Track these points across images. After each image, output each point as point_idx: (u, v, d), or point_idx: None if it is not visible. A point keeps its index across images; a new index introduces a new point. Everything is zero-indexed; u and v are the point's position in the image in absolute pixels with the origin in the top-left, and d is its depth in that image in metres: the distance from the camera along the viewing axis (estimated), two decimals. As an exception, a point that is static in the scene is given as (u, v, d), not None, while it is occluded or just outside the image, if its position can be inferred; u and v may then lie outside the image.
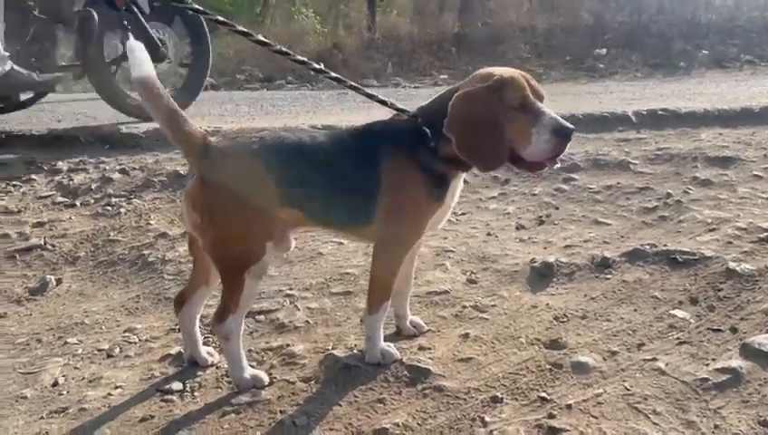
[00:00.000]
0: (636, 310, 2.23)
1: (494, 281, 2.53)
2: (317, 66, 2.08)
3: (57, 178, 3.75)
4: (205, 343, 2.02)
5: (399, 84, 8.75)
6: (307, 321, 2.22)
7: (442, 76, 9.26)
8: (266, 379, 1.83)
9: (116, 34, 4.57)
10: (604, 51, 10.05)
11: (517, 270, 2.60)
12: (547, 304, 2.31)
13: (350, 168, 1.77)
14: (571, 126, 1.70)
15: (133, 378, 1.91)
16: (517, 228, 3.12)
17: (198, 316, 1.95)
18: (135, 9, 4.49)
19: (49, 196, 3.57)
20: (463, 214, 3.33)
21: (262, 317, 2.27)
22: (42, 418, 1.73)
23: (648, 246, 2.63)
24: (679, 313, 2.17)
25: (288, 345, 2.05)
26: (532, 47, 10.24)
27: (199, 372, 1.92)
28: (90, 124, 4.47)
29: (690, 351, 1.95)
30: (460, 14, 11.42)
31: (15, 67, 3.87)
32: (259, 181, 1.69)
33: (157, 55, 4.67)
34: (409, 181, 1.77)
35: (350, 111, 5.46)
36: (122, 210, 3.33)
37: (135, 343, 2.14)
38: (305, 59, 2.09)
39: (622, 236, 2.89)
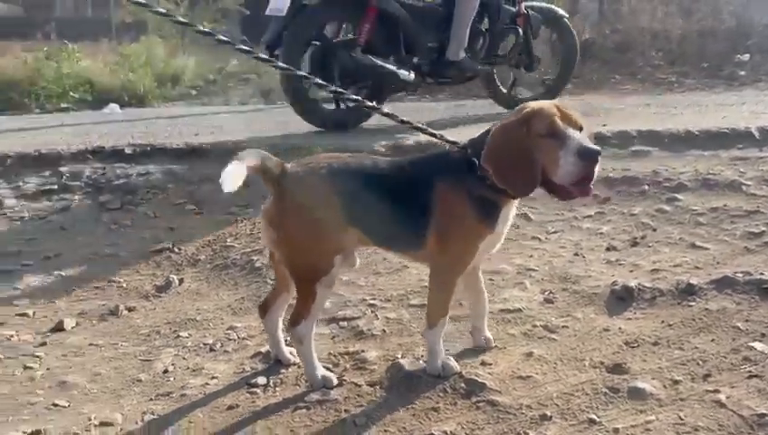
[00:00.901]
0: (713, 340, 2.21)
1: (570, 302, 2.58)
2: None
3: (189, 187, 4.22)
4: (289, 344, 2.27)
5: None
6: (383, 329, 2.41)
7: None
8: (335, 380, 2.04)
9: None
10: (747, 57, 9.37)
11: (597, 292, 2.63)
12: (620, 329, 2.34)
13: (406, 195, 1.95)
14: (597, 148, 1.76)
15: (228, 370, 2.20)
16: (607, 249, 3.12)
17: (281, 320, 2.20)
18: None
19: (181, 203, 4.03)
20: (554, 232, 3.37)
21: (345, 324, 2.48)
22: (150, 399, 2.05)
23: (740, 274, 2.56)
24: (759, 345, 2.13)
25: (362, 351, 2.25)
26: (665, 54, 9.74)
27: (282, 370, 2.16)
28: (222, 139, 4.95)
29: (759, 385, 1.92)
30: (587, 21, 11.10)
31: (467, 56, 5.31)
32: (325, 202, 1.93)
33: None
34: (460, 209, 1.91)
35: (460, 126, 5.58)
36: (239, 218, 3.70)
37: (234, 339, 2.44)
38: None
39: (718, 263, 2.81)
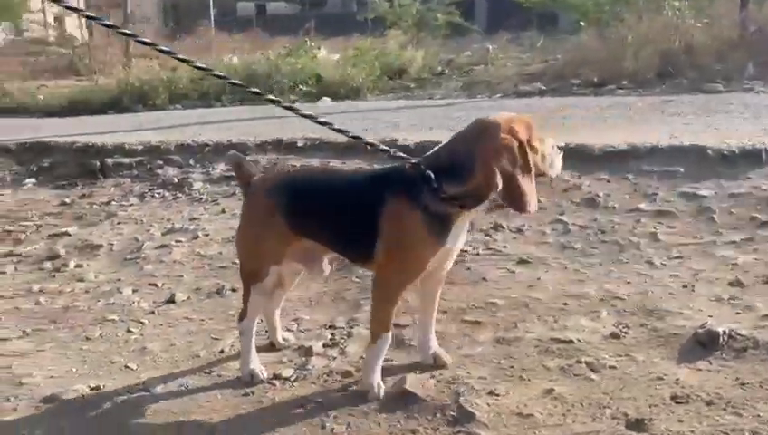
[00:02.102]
0: (786, 412, 1.84)
1: (641, 340, 2.31)
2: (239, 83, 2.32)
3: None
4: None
5: (753, 89, 7.57)
6: (422, 342, 2.40)
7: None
8: (261, 376, 2.21)
9: None
10: None
11: (678, 333, 2.32)
12: (677, 379, 2.06)
13: (355, 208, 1.99)
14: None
15: (269, 359, 2.40)
16: (730, 284, 2.70)
17: (277, 310, 2.45)
18: None
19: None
20: (676, 257, 2.99)
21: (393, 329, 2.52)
22: (193, 374, 2.32)
23: None
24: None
25: (389, 360, 2.29)
26: None
27: (312, 366, 2.30)
28: (387, 135, 5.20)
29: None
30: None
31: None
32: (265, 215, 2.11)
33: None
34: (411, 224, 1.89)
35: (650, 123, 5.07)
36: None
37: (292, 330, 2.63)
38: (238, 81, 2.30)
39: None
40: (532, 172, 1.85)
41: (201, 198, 4.60)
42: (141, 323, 2.80)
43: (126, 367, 2.41)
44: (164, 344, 2.58)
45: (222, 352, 2.49)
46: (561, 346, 2.29)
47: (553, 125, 5.16)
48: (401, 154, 2.12)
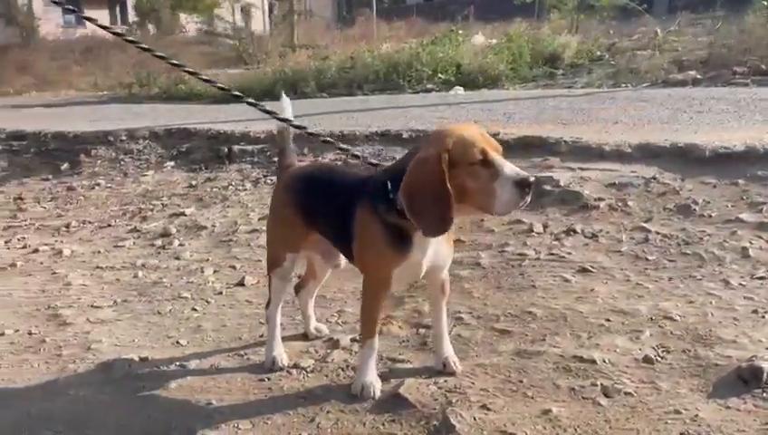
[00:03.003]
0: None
1: (675, 368, 2.12)
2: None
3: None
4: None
5: None
6: (453, 344, 2.38)
7: None
8: (281, 364, 2.32)
9: None
10: None
11: (721, 365, 2.10)
12: (696, 416, 1.88)
13: (341, 209, 2.01)
14: (532, 178, 1.66)
15: (298, 347, 2.52)
16: (813, 315, 2.36)
17: (311, 300, 2.54)
18: None
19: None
20: (759, 278, 2.66)
21: (422, 331, 2.53)
22: (227, 355, 2.51)
23: None
24: None
25: (406, 361, 2.31)
26: None
27: (331, 360, 2.39)
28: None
29: None
30: None
31: None
32: (284, 204, 2.23)
33: None
34: (371, 234, 1.88)
35: None
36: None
37: (331, 322, 2.73)
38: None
39: None
40: (447, 195, 1.70)
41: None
42: (207, 302, 3.05)
43: (177, 343, 2.66)
44: (216, 324, 2.79)
45: (262, 336, 2.65)
46: (582, 365, 2.16)
47: (675, 120, 4.74)
48: (373, 161, 2.12)
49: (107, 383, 2.34)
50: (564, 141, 4.37)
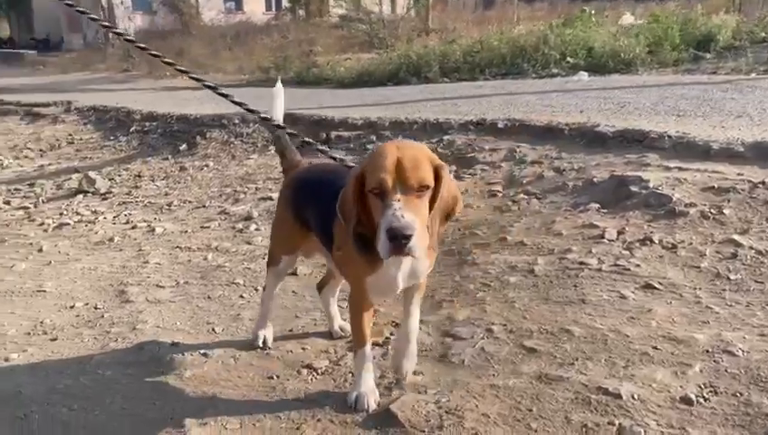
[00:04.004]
0: None
1: (717, 414, 1.81)
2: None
3: (503, 166, 4.28)
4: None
5: None
6: (463, 360, 2.22)
7: None
8: (262, 344, 2.43)
9: None
10: None
11: (774, 416, 1.75)
12: (721, 478, 1.58)
13: (326, 214, 1.92)
14: (407, 228, 1.48)
15: (320, 347, 2.47)
16: None
17: (333, 298, 2.48)
18: None
19: (494, 183, 4.14)
20: None
21: (447, 340, 2.37)
22: (247, 349, 2.51)
23: None
24: None
25: (418, 373, 2.17)
26: None
27: (347, 362, 2.30)
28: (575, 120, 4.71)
29: None
30: None
31: None
32: (283, 208, 2.23)
33: None
34: (344, 237, 1.78)
35: None
36: (519, 206, 3.63)
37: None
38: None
39: None
40: (351, 214, 1.67)
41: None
42: (256, 290, 3.08)
43: (213, 330, 2.71)
44: (255, 314, 2.80)
45: (291, 331, 2.63)
46: (605, 399, 1.90)
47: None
48: (350, 163, 1.97)
49: (132, 365, 2.42)
50: (668, 136, 3.91)
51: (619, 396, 1.90)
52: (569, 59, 9.56)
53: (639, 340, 2.18)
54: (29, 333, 2.82)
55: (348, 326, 2.55)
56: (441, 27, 15.78)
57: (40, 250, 4.13)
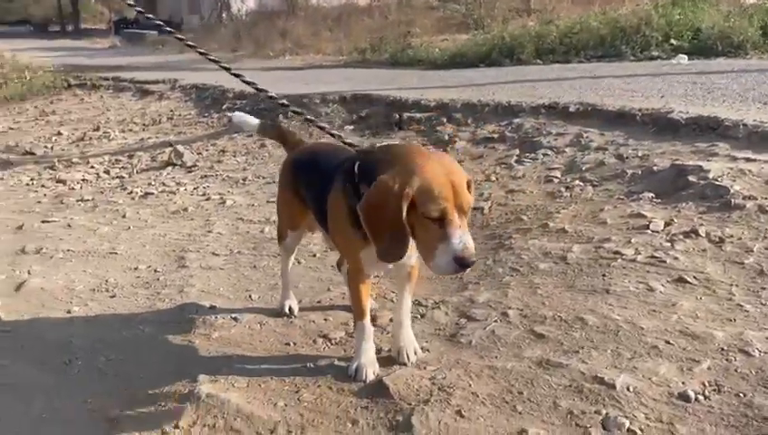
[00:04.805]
0: None
1: (713, 413, 1.75)
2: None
3: (566, 151, 4.16)
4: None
5: None
6: (470, 341, 2.24)
7: None
8: (288, 312, 2.57)
9: None
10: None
11: (773, 422, 1.68)
12: (695, 477, 1.54)
13: (321, 191, 1.99)
14: (472, 260, 1.59)
15: (343, 319, 2.56)
16: None
17: None
18: None
19: (554, 168, 4.05)
20: None
21: (462, 321, 2.40)
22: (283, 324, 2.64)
23: None
24: None
25: (426, 350, 2.22)
26: None
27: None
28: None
29: None
30: None
31: None
32: (284, 186, 2.35)
33: None
34: (339, 213, 1.87)
35: None
36: (571, 193, 3.54)
37: (389, 297, 2.71)
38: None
39: None
40: (404, 232, 1.68)
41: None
42: (298, 262, 3.22)
43: (249, 297, 2.88)
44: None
45: (319, 302, 2.75)
46: (598, 388, 1.87)
47: None
48: (348, 141, 2.01)
49: (170, 324, 2.63)
50: (743, 125, 3.67)
51: (613, 386, 1.86)
52: (672, 41, 9.04)
53: (653, 333, 2.11)
54: (93, 290, 3.10)
55: (371, 302, 2.63)
56: (542, 8, 15.30)
57: (123, 216, 4.49)
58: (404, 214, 1.64)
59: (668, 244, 2.71)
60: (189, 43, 2.63)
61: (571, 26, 10.75)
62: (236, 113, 2.74)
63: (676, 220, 2.91)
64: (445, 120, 5.51)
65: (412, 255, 1.93)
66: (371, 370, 2.05)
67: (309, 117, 2.43)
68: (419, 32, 15.71)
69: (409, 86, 7.33)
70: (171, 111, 8.89)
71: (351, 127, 6.24)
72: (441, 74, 8.87)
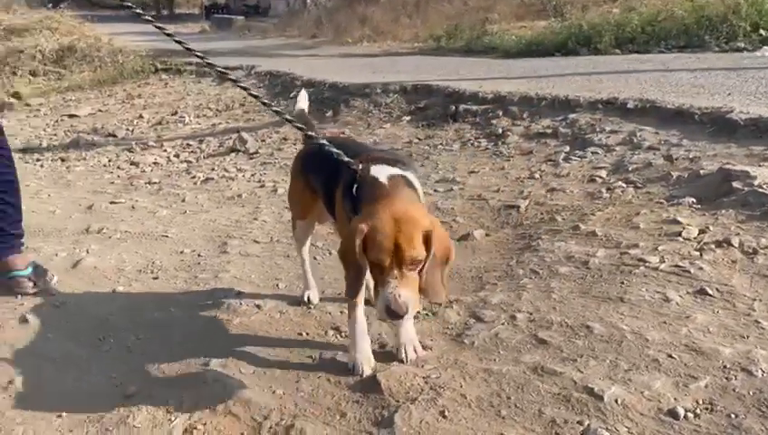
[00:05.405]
0: None
1: (700, 432, 1.71)
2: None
3: (616, 150, 4.02)
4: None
5: None
6: (473, 342, 2.27)
7: None
8: (309, 300, 2.69)
9: None
10: None
11: (760, 447, 1.63)
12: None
13: (330, 183, 2.11)
14: (402, 311, 1.68)
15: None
16: None
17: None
18: None
19: (600, 168, 3.94)
20: None
21: (471, 321, 2.43)
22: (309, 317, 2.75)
23: None
24: None
25: (428, 348, 2.28)
26: None
27: (376, 329, 2.46)
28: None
29: None
30: None
31: None
32: (295, 176, 2.46)
33: None
34: (341, 211, 1.99)
35: None
36: (611, 194, 3.46)
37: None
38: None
39: None
40: (360, 273, 1.83)
41: (501, 152, 4.73)
42: (330, 253, 3.33)
43: (277, 286, 3.00)
44: (316, 277, 3.04)
45: (340, 294, 2.83)
46: (585, 398, 1.86)
47: None
48: (346, 159, 2.05)
49: (198, 307, 2.79)
50: (805, 128, 3.45)
51: (600, 398, 1.85)
52: (762, 31, 8.50)
53: (657, 345, 2.07)
54: (140, 271, 3.32)
55: None
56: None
57: (183, 200, 4.74)
58: (358, 253, 1.76)
59: (697, 253, 2.62)
60: (148, 18, 2.44)
61: (654, 14, 10.30)
62: (303, 92, 2.81)
63: (711, 228, 2.80)
64: (500, 113, 5.46)
65: None
66: (367, 365, 2.12)
67: (253, 92, 2.37)
68: (498, 18, 15.44)
69: (475, 76, 7.27)
70: (244, 97, 9.19)
71: (408, 118, 6.28)
72: (509, 64, 8.72)
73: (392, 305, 1.68)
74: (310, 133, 2.24)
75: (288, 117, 2.29)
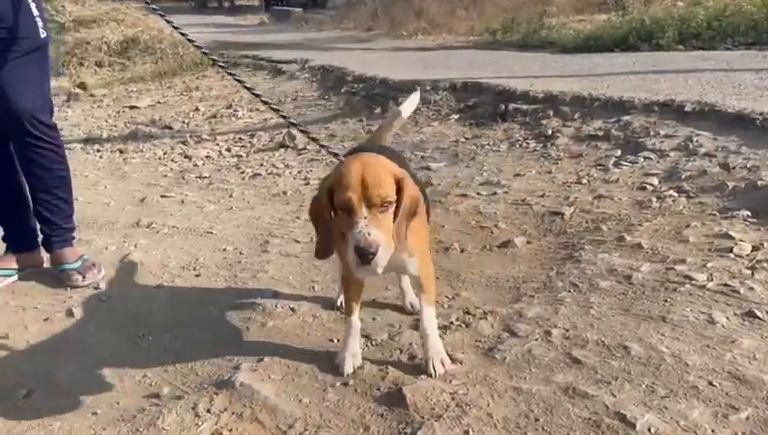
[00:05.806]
0: None
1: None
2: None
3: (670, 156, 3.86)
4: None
5: None
6: (505, 357, 2.22)
7: None
8: (340, 305, 2.64)
9: None
10: None
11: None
12: None
13: None
14: (372, 247, 1.60)
15: (391, 320, 2.62)
16: None
17: (405, 277, 2.59)
18: None
19: (652, 174, 3.80)
20: None
21: (505, 335, 2.38)
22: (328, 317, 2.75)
23: None
24: None
25: (459, 362, 2.24)
26: None
27: (402, 338, 2.44)
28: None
29: None
30: None
31: None
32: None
33: None
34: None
35: None
36: (662, 204, 3.33)
37: (442, 302, 2.73)
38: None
39: None
40: (328, 229, 1.81)
41: (549, 155, 4.62)
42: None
43: (312, 288, 3.02)
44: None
45: (374, 300, 2.82)
46: (617, 425, 1.80)
47: None
48: (333, 150, 2.02)
49: (233, 307, 2.83)
50: None
51: (633, 426, 1.77)
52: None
53: (698, 371, 1.97)
54: (183, 268, 3.39)
55: (417, 302, 2.66)
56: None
57: (230, 196, 4.82)
58: (327, 209, 1.77)
59: (748, 271, 2.49)
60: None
61: (721, 9, 9.87)
62: (414, 96, 2.65)
63: (765, 245, 2.65)
64: (551, 113, 5.33)
65: (407, 262, 1.97)
66: (352, 362, 2.18)
67: (246, 85, 2.34)
68: (556, 11, 15.08)
69: (527, 74, 7.11)
70: (296, 91, 9.28)
71: (457, 116, 6.20)
72: (565, 60, 8.49)
73: (361, 243, 1.62)
74: (315, 138, 2.24)
75: (293, 120, 2.29)
